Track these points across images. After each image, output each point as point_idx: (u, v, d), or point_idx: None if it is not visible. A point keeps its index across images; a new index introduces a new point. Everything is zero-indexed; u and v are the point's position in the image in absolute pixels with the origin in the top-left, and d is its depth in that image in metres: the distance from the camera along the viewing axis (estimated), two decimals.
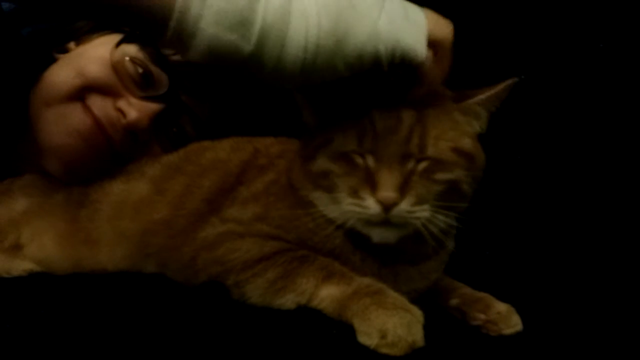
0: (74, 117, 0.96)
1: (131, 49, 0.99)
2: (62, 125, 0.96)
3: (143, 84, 0.99)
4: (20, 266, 0.89)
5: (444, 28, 0.77)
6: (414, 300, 0.71)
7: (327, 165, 0.76)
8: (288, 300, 0.73)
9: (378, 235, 0.74)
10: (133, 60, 0.98)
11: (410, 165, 0.73)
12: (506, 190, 1.11)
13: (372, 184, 0.72)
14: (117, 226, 0.89)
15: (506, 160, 1.12)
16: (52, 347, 0.64)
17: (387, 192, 0.71)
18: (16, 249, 0.93)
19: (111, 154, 0.98)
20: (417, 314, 0.68)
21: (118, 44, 0.99)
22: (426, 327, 0.67)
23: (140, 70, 0.98)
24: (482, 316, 0.79)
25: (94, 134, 0.96)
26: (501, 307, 0.79)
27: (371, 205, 0.72)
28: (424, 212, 0.72)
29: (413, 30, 0.74)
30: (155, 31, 0.70)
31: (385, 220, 0.72)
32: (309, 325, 0.69)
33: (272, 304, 0.73)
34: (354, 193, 0.73)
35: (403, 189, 0.71)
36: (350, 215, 0.74)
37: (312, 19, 0.71)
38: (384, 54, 0.73)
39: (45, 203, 0.96)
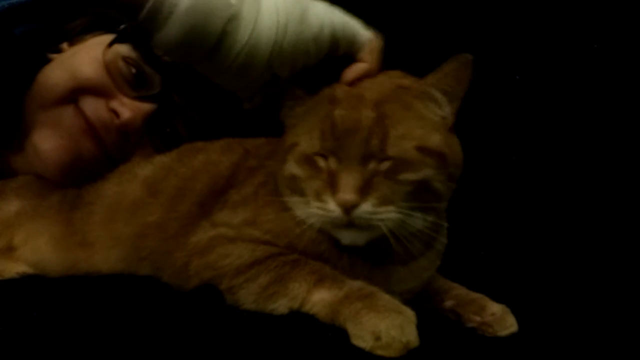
0: (67, 121, 0.96)
1: (124, 49, 0.98)
2: (56, 128, 0.96)
3: (136, 84, 0.98)
4: (13, 268, 0.89)
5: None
6: (407, 302, 0.71)
7: (293, 169, 0.76)
8: (281, 306, 0.72)
9: (346, 238, 0.73)
10: (126, 60, 0.98)
11: (372, 165, 0.71)
12: (501, 190, 1.11)
13: (333, 186, 0.71)
14: (112, 229, 0.88)
15: (501, 161, 1.12)
16: (45, 350, 0.64)
17: (346, 193, 0.69)
18: (9, 251, 0.93)
19: (104, 156, 0.97)
20: (410, 314, 0.68)
21: (111, 44, 0.99)
22: (421, 329, 0.67)
23: (133, 70, 0.98)
24: (477, 318, 0.78)
25: (86, 137, 0.96)
26: (496, 308, 0.79)
27: (332, 208, 0.70)
28: (389, 213, 0.70)
29: (351, 19, 0.82)
30: (134, 6, 0.71)
31: (349, 222, 0.71)
32: (305, 328, 0.69)
33: (265, 309, 0.73)
34: (318, 196, 0.72)
35: (364, 190, 0.70)
36: (317, 218, 0.73)
37: None
38: (339, 28, 0.79)
39: (39, 205, 0.95)
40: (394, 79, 0.79)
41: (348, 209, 0.70)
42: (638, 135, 1.08)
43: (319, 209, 0.72)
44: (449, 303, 0.82)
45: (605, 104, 1.10)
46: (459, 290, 0.84)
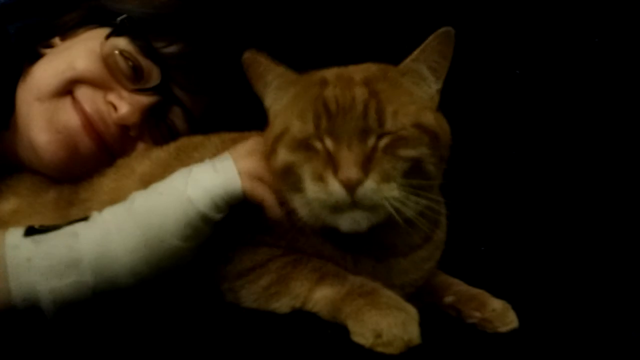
0: (64, 114, 0.95)
1: (121, 42, 0.97)
2: (52, 121, 0.95)
3: (134, 77, 0.97)
4: None
5: None
6: (410, 296, 0.72)
7: (287, 157, 0.73)
8: (282, 305, 0.72)
9: (347, 222, 0.69)
10: (123, 53, 0.97)
11: (371, 141, 0.69)
12: (501, 185, 1.11)
13: (334, 165, 0.68)
14: None
15: (501, 155, 1.11)
16: (44, 347, 0.64)
17: (349, 170, 0.67)
18: None
19: (102, 149, 0.96)
20: (412, 312, 0.68)
21: (108, 37, 0.98)
22: (421, 325, 0.67)
23: (130, 63, 0.97)
24: (478, 314, 0.78)
25: (85, 132, 0.95)
26: (496, 304, 0.79)
27: (335, 188, 0.67)
28: (392, 190, 0.68)
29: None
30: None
31: (353, 203, 0.67)
32: (306, 326, 0.69)
33: (266, 308, 0.73)
34: (318, 179, 0.69)
35: (366, 166, 0.67)
36: (316, 203, 0.70)
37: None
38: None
39: (35, 202, 0.95)
40: (378, 64, 0.78)
41: (352, 186, 0.66)
42: (639, 129, 1.08)
43: (319, 192, 0.69)
44: (449, 299, 0.82)
45: (607, 98, 1.10)
46: (460, 286, 0.84)
